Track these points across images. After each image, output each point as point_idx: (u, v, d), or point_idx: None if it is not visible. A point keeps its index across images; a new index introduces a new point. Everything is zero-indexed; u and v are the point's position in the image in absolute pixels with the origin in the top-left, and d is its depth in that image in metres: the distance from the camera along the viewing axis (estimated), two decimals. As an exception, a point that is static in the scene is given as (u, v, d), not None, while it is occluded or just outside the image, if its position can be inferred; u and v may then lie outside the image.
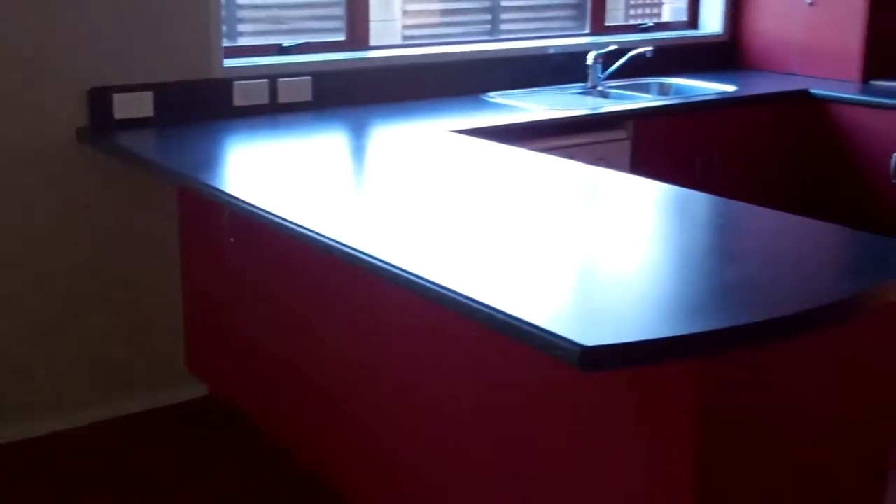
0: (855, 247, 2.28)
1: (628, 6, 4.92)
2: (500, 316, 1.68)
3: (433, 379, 2.38)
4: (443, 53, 4.04)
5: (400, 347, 2.47)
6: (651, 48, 4.28)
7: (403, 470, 2.54)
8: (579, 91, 4.21)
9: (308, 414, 2.90)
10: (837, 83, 4.35)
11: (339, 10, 3.88)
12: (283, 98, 3.56)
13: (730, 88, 4.23)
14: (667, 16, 4.96)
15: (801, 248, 2.23)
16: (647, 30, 4.72)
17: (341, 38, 3.88)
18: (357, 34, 3.89)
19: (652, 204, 2.59)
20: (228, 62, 3.49)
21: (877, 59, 4.39)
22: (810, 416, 2.01)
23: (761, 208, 2.48)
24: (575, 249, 2.18)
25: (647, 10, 4.97)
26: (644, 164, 3.78)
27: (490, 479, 2.26)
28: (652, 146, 3.84)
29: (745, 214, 2.48)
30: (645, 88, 4.40)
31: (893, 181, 3.98)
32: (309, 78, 3.62)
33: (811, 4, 4.50)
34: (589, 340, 1.59)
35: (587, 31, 4.55)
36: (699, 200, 2.57)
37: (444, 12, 4.37)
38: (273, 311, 3.00)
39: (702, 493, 1.83)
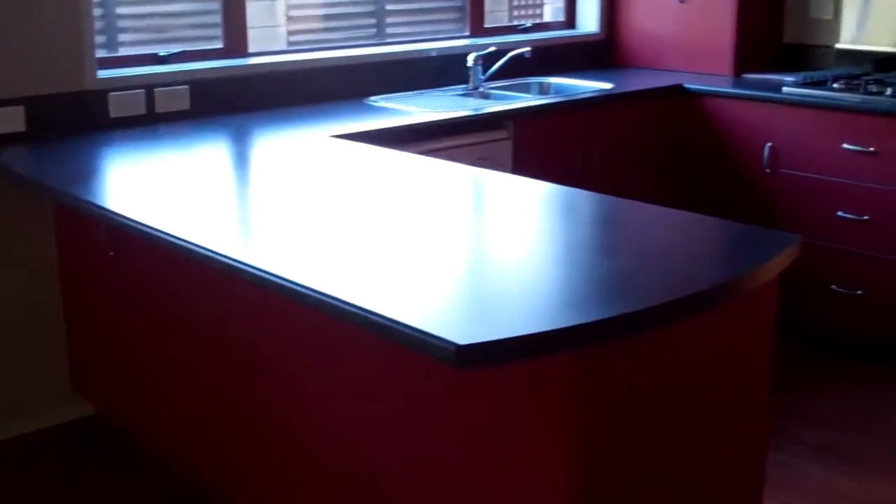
0: (725, 237, 2.36)
1: (512, 7, 4.98)
2: (375, 318, 1.69)
3: (319, 387, 2.38)
4: (324, 59, 4.03)
5: (284, 356, 2.46)
6: (529, 49, 4.34)
7: (294, 480, 2.53)
8: (461, 93, 4.24)
9: (193, 427, 2.86)
10: (711, 77, 4.47)
11: (218, 18, 3.84)
12: (160, 108, 3.51)
13: (607, 86, 4.31)
14: (548, 16, 5.03)
15: (674, 241, 2.29)
16: (526, 31, 4.78)
17: (219, 45, 3.85)
18: (235, 41, 3.85)
19: (531, 202, 2.63)
20: (103, 73, 3.43)
21: (747, 54, 4.53)
22: (687, 400, 2.06)
23: (638, 203, 2.54)
24: (455, 250, 2.20)
25: (530, 11, 5.03)
26: (526, 162, 3.83)
27: (376, 480, 2.26)
28: (533, 145, 3.89)
29: (623, 209, 2.53)
30: (526, 88, 4.46)
31: (767, 170, 4.11)
32: (186, 87, 3.58)
33: (682, 2, 4.61)
34: (464, 339, 1.61)
35: (467, 33, 4.58)
36: (578, 197, 2.61)
37: (329, 17, 4.35)
38: (154, 325, 2.96)
39: (583, 486, 1.87)
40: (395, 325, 1.66)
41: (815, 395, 3.78)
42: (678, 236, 2.33)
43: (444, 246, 2.21)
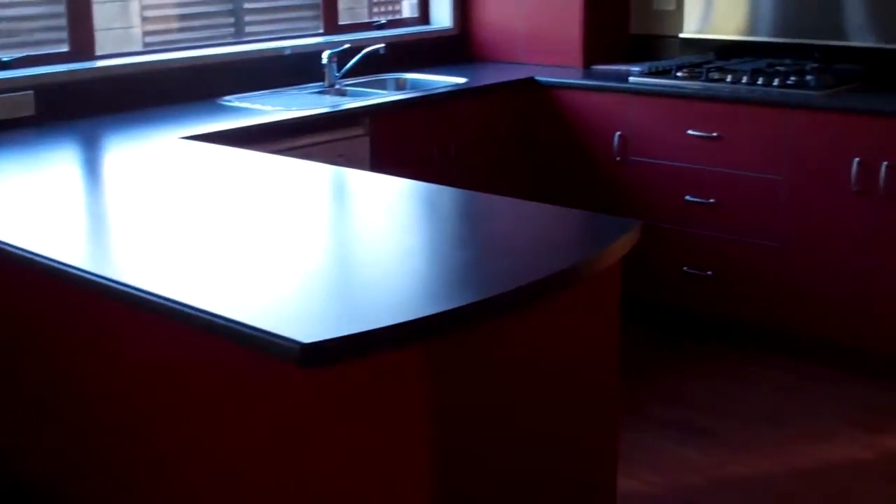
0: (570, 225, 2.43)
1: (371, 4, 5.00)
2: (219, 321, 1.70)
3: (175, 396, 2.36)
4: (175, 59, 3.98)
5: (136, 366, 2.44)
6: (384, 45, 4.37)
7: (153, 486, 2.50)
8: (317, 90, 4.24)
9: (65, 445, 2.80)
10: (562, 69, 4.58)
11: (64, 21, 3.76)
12: (3, 115, 3.42)
13: (461, 80, 4.37)
14: (407, 12, 5.06)
15: (522, 231, 2.35)
16: (380, 27, 4.80)
17: (65, 49, 3.76)
18: (81, 44, 3.77)
19: (386, 198, 2.65)
20: (-58, 80, 3.33)
21: (596, 45, 4.65)
22: (538, 385, 2.12)
23: (490, 196, 2.59)
24: (308, 248, 2.21)
25: (390, 7, 5.06)
26: (384, 158, 3.86)
27: (236, 483, 2.26)
28: (391, 141, 3.92)
29: (475, 202, 2.58)
30: (382, 85, 4.49)
31: (617, 158, 4.23)
32: (31, 92, 3.49)
33: (532, -5, 4.71)
34: (308, 337, 1.63)
35: (321, 30, 4.58)
36: (432, 192, 2.65)
37: (185, 17, 4.29)
38: (12, 346, 2.88)
39: (439, 476, 1.90)
40: (238, 327, 1.67)
41: (671, 374, 3.92)
42: (526, 226, 2.39)
43: (297, 244, 2.22)
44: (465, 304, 1.81)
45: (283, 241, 2.24)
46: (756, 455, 3.32)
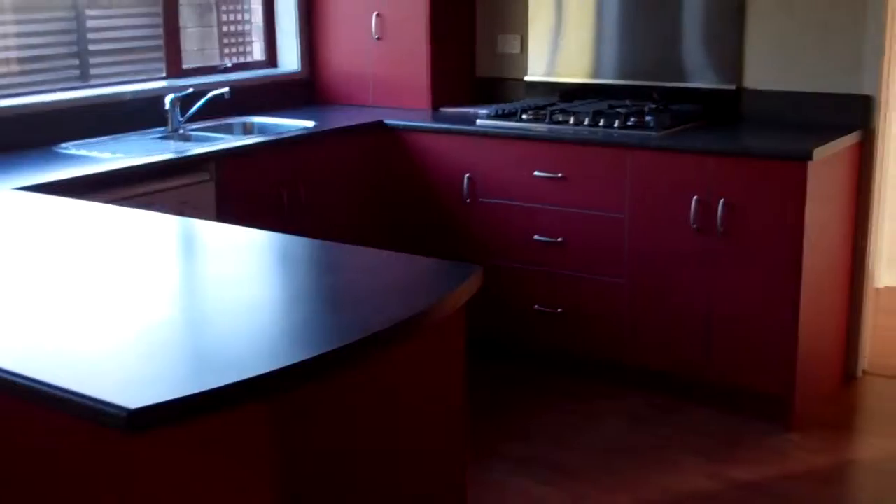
0: (413, 272, 2.42)
1: (222, 45, 4.93)
2: (41, 387, 1.62)
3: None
4: (12, 105, 3.85)
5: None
6: (228, 89, 4.31)
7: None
8: (159, 136, 4.16)
9: None
10: (411, 112, 4.60)
11: None
12: None
13: (309, 124, 4.35)
14: (257, 53, 5.02)
15: (365, 280, 2.33)
16: (226, 70, 4.75)
17: None
18: None
19: (228, 250, 2.59)
20: None
21: (443, 88, 4.70)
22: (383, 432, 2.10)
23: (338, 244, 2.55)
24: (142, 305, 2.14)
25: (240, 48, 5.00)
26: (231, 205, 3.80)
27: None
28: (238, 186, 3.87)
29: (322, 251, 2.55)
30: (228, 129, 4.43)
31: (467, 200, 4.27)
32: None
33: (379, 39, 4.73)
34: (136, 402, 1.57)
35: (164, 74, 4.50)
36: (278, 242, 2.60)
37: (26, 59, 4.13)
38: None
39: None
40: (61, 394, 1.60)
41: (524, 412, 3.95)
42: (370, 275, 2.37)
43: (133, 301, 2.15)
44: (302, 360, 1.77)
45: (118, 298, 2.17)
46: (609, 490, 3.36)
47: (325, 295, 2.25)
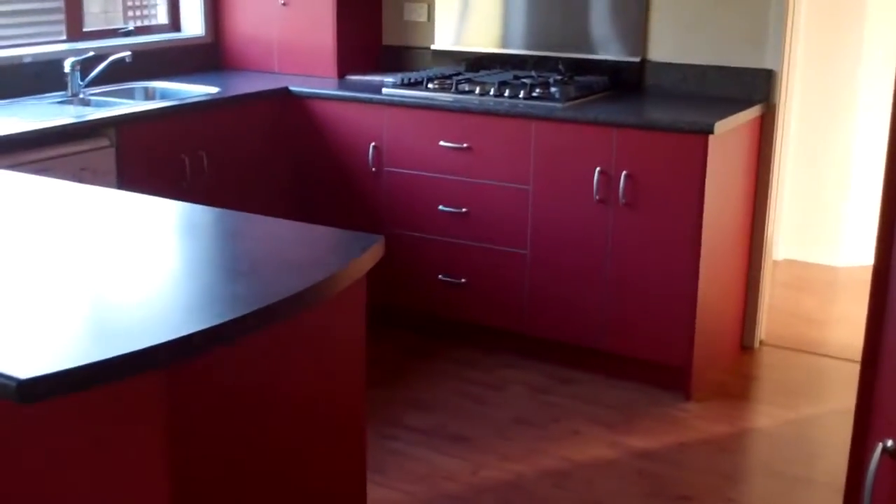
0: (314, 241, 2.41)
1: (126, 8, 4.81)
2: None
3: None
4: None
5: None
6: (129, 53, 4.21)
7: None
8: (59, 100, 4.05)
9: None
10: (316, 80, 4.56)
11: None
12: None
13: (213, 90, 4.27)
14: (163, 17, 4.90)
15: (266, 249, 2.31)
16: (128, 34, 4.63)
17: None
18: None
19: (125, 218, 2.55)
20: None
21: (349, 56, 4.66)
22: (282, 402, 2.09)
23: (238, 213, 2.52)
24: (35, 276, 2.09)
25: (145, 12, 4.88)
26: (132, 171, 3.72)
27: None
28: (139, 152, 3.79)
29: (223, 220, 2.51)
30: (130, 94, 4.33)
31: (373, 169, 4.25)
32: None
33: (284, 5, 4.66)
34: (27, 372, 1.54)
35: (64, 37, 4.37)
36: (177, 210, 2.56)
37: None
38: None
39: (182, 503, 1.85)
40: (-57, 364, 1.56)
41: (427, 381, 3.97)
42: (270, 245, 2.35)
43: (25, 272, 2.10)
44: (197, 330, 1.75)
45: (10, 267, 2.11)
46: (510, 459, 3.40)
47: (223, 264, 2.23)
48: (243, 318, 1.84)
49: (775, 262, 4.65)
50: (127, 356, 1.66)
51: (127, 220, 2.52)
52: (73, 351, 1.69)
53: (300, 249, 2.34)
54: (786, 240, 5.28)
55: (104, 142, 3.69)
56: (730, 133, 3.78)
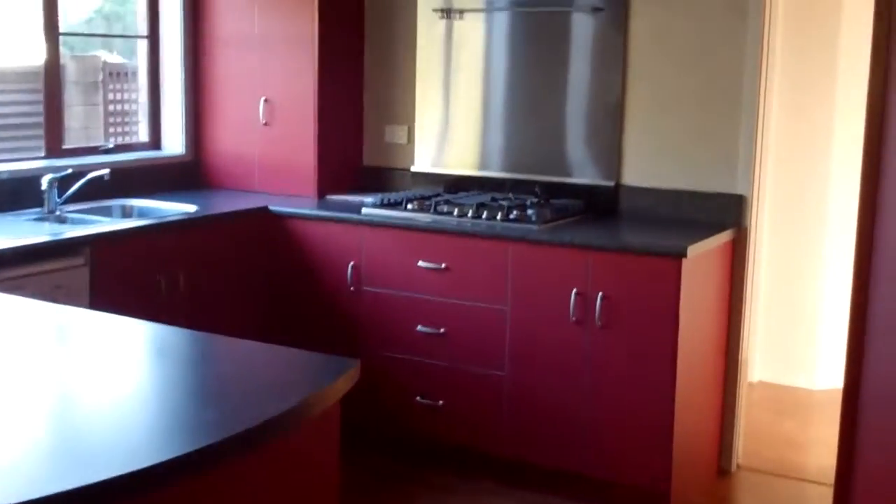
0: (289, 366, 2.38)
1: (108, 124, 4.86)
2: None
3: None
4: None
5: None
6: (108, 170, 4.24)
7: None
8: (35, 217, 4.05)
9: None
10: (297, 199, 4.59)
11: None
12: None
13: (191, 208, 4.29)
14: (143, 134, 4.94)
15: (238, 374, 2.29)
16: (107, 151, 4.67)
17: None
18: None
19: (98, 340, 2.52)
20: None
21: (330, 175, 4.71)
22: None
23: (214, 336, 2.50)
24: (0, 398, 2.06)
25: (126, 129, 4.93)
26: (106, 290, 3.71)
27: None
28: (113, 271, 3.78)
29: (198, 343, 2.49)
30: (107, 211, 4.35)
31: (351, 288, 4.25)
32: None
33: (266, 124, 4.73)
34: (-6, 501, 1.50)
35: (43, 153, 4.40)
36: (151, 332, 2.54)
37: None
38: None
39: None
40: None
41: (403, 505, 3.90)
42: (245, 369, 2.32)
43: (-12, 392, 2.07)
44: (165, 459, 1.72)
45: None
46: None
47: (196, 389, 2.20)
48: (212, 446, 1.81)
49: (751, 384, 4.64)
50: (91, 487, 1.62)
51: (97, 341, 2.50)
52: (37, 480, 1.65)
53: (273, 373, 2.32)
54: (761, 362, 5.29)
55: (79, 260, 3.68)
56: (703, 256, 3.81)
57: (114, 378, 2.22)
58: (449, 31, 4.63)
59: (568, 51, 4.38)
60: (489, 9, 4.52)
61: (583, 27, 4.34)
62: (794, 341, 5.34)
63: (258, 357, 2.42)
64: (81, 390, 2.14)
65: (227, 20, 4.80)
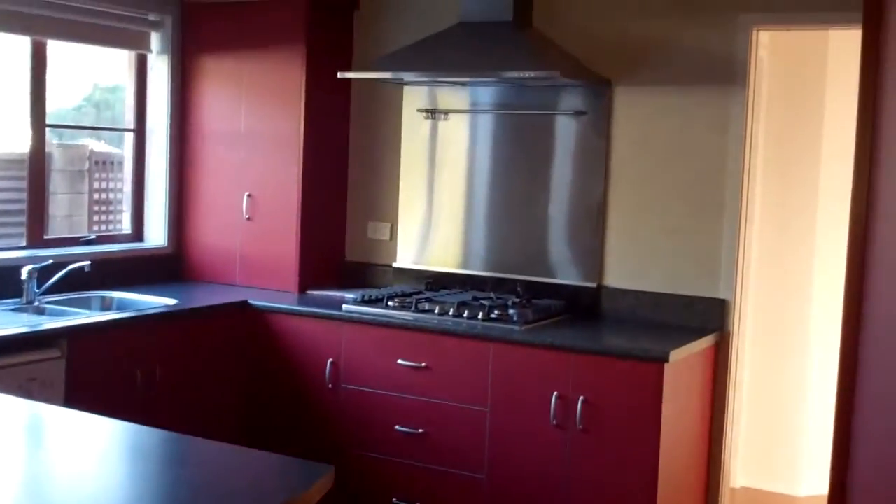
0: (261, 471, 2.33)
1: (92, 213, 4.85)
2: None
3: None
4: None
5: None
6: (89, 262, 4.22)
7: None
8: (12, 307, 4.01)
9: None
10: (277, 294, 4.56)
11: None
12: None
13: (171, 301, 4.26)
14: (127, 225, 4.93)
15: (214, 479, 2.24)
16: (89, 242, 4.65)
17: None
18: None
19: (68, 440, 2.47)
20: None
21: (312, 271, 4.69)
22: None
23: (186, 437, 2.45)
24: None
25: (111, 217, 4.92)
26: (81, 383, 3.66)
27: None
28: (89, 364, 3.73)
29: (169, 444, 2.44)
30: (87, 303, 4.31)
31: (329, 386, 4.20)
32: None
33: (249, 219, 4.72)
34: None
35: (24, 243, 4.38)
36: (122, 433, 2.48)
37: None
38: None
39: None
40: None
41: None
42: (215, 474, 2.27)
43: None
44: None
45: (-63, 491, 2.03)
46: None
47: (168, 494, 2.14)
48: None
49: (733, 490, 4.58)
50: None
51: (69, 441, 2.45)
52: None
53: (246, 479, 2.27)
54: (744, 467, 5.23)
55: (55, 352, 3.64)
56: (685, 361, 3.79)
57: (84, 481, 2.17)
58: (433, 132, 4.67)
59: (551, 153, 4.42)
60: (474, 110, 4.57)
61: (566, 130, 4.38)
62: (778, 447, 5.29)
63: (231, 461, 2.37)
64: (50, 491, 2.09)
65: (213, 116, 4.83)
